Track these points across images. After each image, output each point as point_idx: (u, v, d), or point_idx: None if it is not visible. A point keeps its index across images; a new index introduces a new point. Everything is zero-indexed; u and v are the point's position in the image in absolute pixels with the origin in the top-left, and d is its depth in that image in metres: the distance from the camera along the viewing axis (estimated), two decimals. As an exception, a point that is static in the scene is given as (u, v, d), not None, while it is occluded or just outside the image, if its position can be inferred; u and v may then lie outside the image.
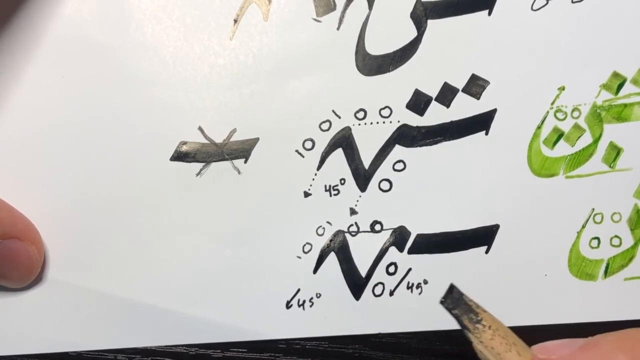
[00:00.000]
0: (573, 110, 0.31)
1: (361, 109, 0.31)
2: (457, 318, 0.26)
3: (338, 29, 0.31)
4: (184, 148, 0.31)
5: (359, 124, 0.31)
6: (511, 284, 0.30)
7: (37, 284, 0.30)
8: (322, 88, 0.31)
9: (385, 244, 0.31)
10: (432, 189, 0.31)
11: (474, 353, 0.28)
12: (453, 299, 0.27)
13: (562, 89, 0.31)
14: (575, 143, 0.31)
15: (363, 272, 0.31)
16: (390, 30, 0.31)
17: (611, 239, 0.31)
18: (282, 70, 0.31)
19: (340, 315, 0.30)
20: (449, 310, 0.27)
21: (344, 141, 0.31)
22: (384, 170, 0.31)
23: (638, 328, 0.22)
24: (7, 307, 0.30)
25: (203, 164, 0.31)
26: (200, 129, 0.31)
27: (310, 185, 0.31)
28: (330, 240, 0.31)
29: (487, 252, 0.31)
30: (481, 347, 0.26)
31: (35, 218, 0.30)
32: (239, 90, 0.31)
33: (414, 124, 0.31)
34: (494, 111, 0.31)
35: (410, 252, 0.31)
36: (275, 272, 0.30)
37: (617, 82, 0.31)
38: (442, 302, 0.27)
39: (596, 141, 0.31)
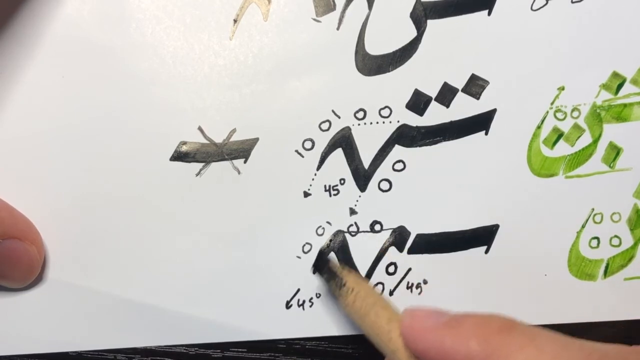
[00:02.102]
0: (573, 110, 0.31)
1: (361, 109, 0.31)
2: (326, 283, 0.27)
3: (338, 29, 0.31)
4: (184, 148, 0.31)
5: (359, 124, 0.31)
6: (511, 284, 0.30)
7: (37, 284, 0.30)
8: (322, 88, 0.31)
9: (385, 244, 0.31)
10: (431, 189, 0.31)
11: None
12: (321, 265, 0.27)
13: (562, 89, 0.31)
14: (575, 143, 0.31)
15: (363, 272, 0.31)
16: (390, 30, 0.31)
17: (611, 239, 0.31)
18: (282, 70, 0.31)
19: (340, 315, 0.30)
20: (320, 275, 0.27)
21: (344, 141, 0.31)
22: (384, 170, 0.31)
23: (502, 317, 0.23)
24: (7, 307, 0.30)
25: (203, 164, 0.31)
26: (200, 129, 0.31)
27: (310, 185, 0.31)
28: (330, 240, 0.31)
29: (486, 252, 0.31)
30: (347, 310, 0.26)
31: (35, 218, 0.30)
32: (239, 90, 0.31)
33: (414, 124, 0.31)
34: (493, 111, 0.31)
35: (410, 252, 0.31)
36: (275, 272, 0.30)
37: (616, 82, 0.31)
38: (313, 268, 0.27)
39: (596, 141, 0.31)
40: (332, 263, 0.27)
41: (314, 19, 0.31)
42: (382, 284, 0.31)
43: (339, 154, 0.31)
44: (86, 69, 0.30)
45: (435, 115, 0.31)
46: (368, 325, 0.25)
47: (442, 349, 0.23)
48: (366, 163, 0.31)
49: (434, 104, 0.31)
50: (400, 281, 0.30)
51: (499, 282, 0.30)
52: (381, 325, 0.25)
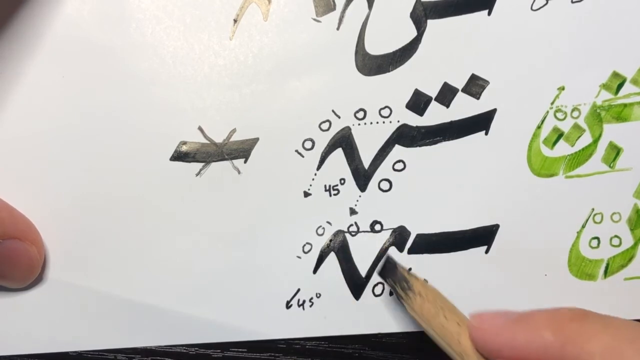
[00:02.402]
0: (573, 110, 0.31)
1: (361, 109, 0.31)
2: (392, 286, 0.27)
3: (338, 29, 0.31)
4: (184, 148, 0.31)
5: (359, 124, 0.31)
6: (511, 284, 0.30)
7: (37, 284, 0.30)
8: (322, 88, 0.31)
9: (385, 243, 0.31)
10: (431, 189, 0.31)
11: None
12: (387, 268, 0.27)
13: (562, 88, 0.31)
14: (575, 143, 0.31)
15: (363, 272, 0.31)
16: (390, 30, 0.31)
17: (611, 239, 0.31)
18: (282, 70, 0.31)
19: (340, 315, 0.30)
20: (384, 278, 0.27)
21: (344, 141, 0.31)
22: (384, 170, 0.31)
23: (572, 308, 0.23)
24: (7, 307, 0.30)
25: (203, 164, 0.31)
26: (200, 129, 0.31)
27: (310, 185, 0.31)
28: (330, 240, 0.31)
29: (487, 252, 0.31)
30: (413, 313, 0.27)
31: (35, 218, 0.30)
32: (239, 90, 0.31)
33: (414, 124, 0.31)
34: (493, 111, 0.31)
35: (410, 252, 0.31)
36: (275, 272, 0.30)
37: (616, 82, 0.31)
38: (378, 272, 0.28)
39: (596, 141, 0.31)
40: (399, 266, 0.27)
41: (314, 19, 0.31)
42: (382, 284, 0.31)
43: (339, 154, 0.31)
44: (86, 69, 0.30)
45: (435, 115, 0.31)
46: (436, 328, 0.26)
47: (515, 344, 0.23)
48: (366, 163, 0.31)
49: (434, 104, 0.31)
50: (400, 281, 0.30)
51: (499, 282, 0.30)
52: (450, 328, 0.25)
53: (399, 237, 0.31)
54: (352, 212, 0.31)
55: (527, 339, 0.22)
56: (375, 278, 0.30)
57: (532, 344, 0.22)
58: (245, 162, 0.31)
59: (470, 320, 0.25)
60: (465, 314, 0.26)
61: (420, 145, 0.31)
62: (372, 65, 0.31)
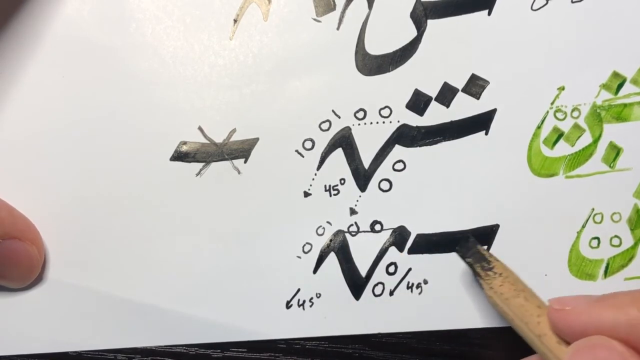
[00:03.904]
0: (573, 110, 0.31)
1: (361, 109, 0.31)
2: (470, 265, 0.27)
3: (338, 29, 0.31)
4: (184, 148, 0.31)
5: (359, 124, 0.31)
6: (511, 284, 0.30)
7: (37, 284, 0.30)
8: (322, 88, 0.31)
9: (385, 243, 0.31)
10: (432, 189, 0.31)
11: (475, 353, 0.28)
12: (467, 248, 0.28)
13: (562, 88, 0.31)
14: (575, 143, 0.31)
15: (363, 272, 0.31)
16: (390, 30, 0.31)
17: (611, 239, 0.31)
18: (282, 70, 0.31)
19: (340, 315, 0.30)
20: (463, 258, 0.28)
21: (344, 141, 0.31)
22: (384, 170, 0.31)
23: None
24: (7, 307, 0.30)
25: (203, 164, 0.31)
26: (200, 129, 0.31)
27: (310, 185, 0.31)
28: (330, 240, 0.31)
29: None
30: (491, 292, 0.27)
31: (35, 218, 0.30)
32: (239, 90, 0.31)
33: (414, 124, 0.31)
34: (493, 111, 0.31)
35: (410, 252, 0.31)
36: (275, 272, 0.30)
37: (616, 82, 0.31)
38: (457, 251, 0.28)
39: (596, 141, 0.31)
40: (479, 246, 0.28)
41: (314, 19, 0.31)
42: (382, 284, 0.31)
43: (339, 154, 0.31)
44: (86, 69, 0.30)
45: (435, 115, 0.31)
46: (515, 308, 0.26)
47: (600, 323, 0.23)
48: (366, 163, 0.31)
49: (434, 104, 0.31)
50: (401, 281, 0.30)
51: (499, 282, 0.30)
52: (530, 310, 0.25)
53: (399, 237, 0.31)
54: (352, 212, 0.31)
55: (613, 317, 0.22)
56: (375, 278, 0.30)
57: (619, 322, 0.22)
58: (245, 162, 0.31)
59: (551, 304, 0.25)
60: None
61: (420, 145, 0.31)
62: (372, 65, 0.31)
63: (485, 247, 0.28)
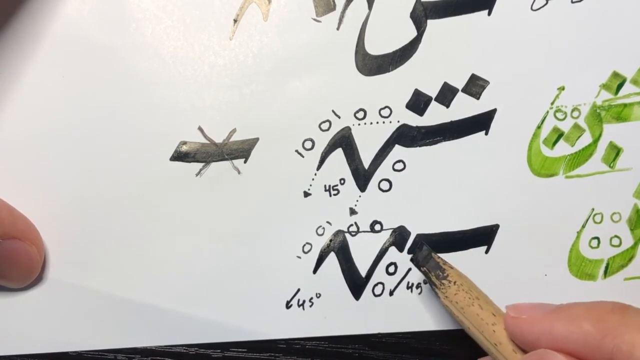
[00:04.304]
0: (573, 110, 0.31)
1: (361, 109, 0.31)
2: (425, 274, 0.27)
3: (338, 29, 0.31)
4: (184, 148, 0.31)
5: (359, 124, 0.31)
6: (511, 284, 0.30)
7: (37, 284, 0.30)
8: (322, 88, 0.31)
9: (385, 244, 0.31)
10: (431, 189, 0.31)
11: (474, 353, 0.28)
12: (422, 256, 0.28)
13: (562, 89, 0.31)
14: (575, 143, 0.31)
15: (363, 272, 0.31)
16: (390, 30, 0.31)
17: (611, 239, 0.31)
18: (282, 70, 0.31)
19: (340, 315, 0.30)
20: (418, 266, 0.28)
21: (344, 141, 0.31)
22: (384, 170, 0.31)
23: (611, 301, 0.23)
24: (7, 307, 0.30)
25: (203, 164, 0.31)
26: (200, 129, 0.31)
27: (310, 185, 0.31)
28: (330, 240, 0.31)
29: (487, 252, 0.31)
30: (447, 302, 0.27)
31: (35, 218, 0.30)
32: (239, 90, 0.31)
33: (414, 124, 0.31)
34: (493, 111, 0.31)
35: (410, 252, 0.31)
36: (275, 272, 0.30)
37: (616, 82, 0.31)
38: (411, 260, 0.28)
39: (596, 141, 0.31)
40: (434, 254, 0.27)
41: (314, 19, 0.31)
42: (382, 284, 0.31)
43: (339, 154, 0.31)
44: (86, 69, 0.30)
45: (435, 115, 0.31)
46: (470, 317, 0.26)
47: (553, 335, 0.23)
48: (366, 163, 0.31)
49: (434, 104, 0.31)
50: (401, 281, 0.30)
51: (499, 282, 0.30)
52: (485, 318, 0.25)
53: (399, 237, 0.31)
54: (352, 212, 0.31)
55: (566, 329, 0.22)
56: (375, 278, 0.30)
57: (571, 335, 0.22)
58: (245, 162, 0.31)
59: (507, 310, 0.25)
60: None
61: (420, 145, 0.31)
62: (372, 65, 0.31)
63: (444, 257, 0.28)
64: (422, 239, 0.31)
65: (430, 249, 0.28)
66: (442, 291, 0.27)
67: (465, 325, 0.26)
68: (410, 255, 0.30)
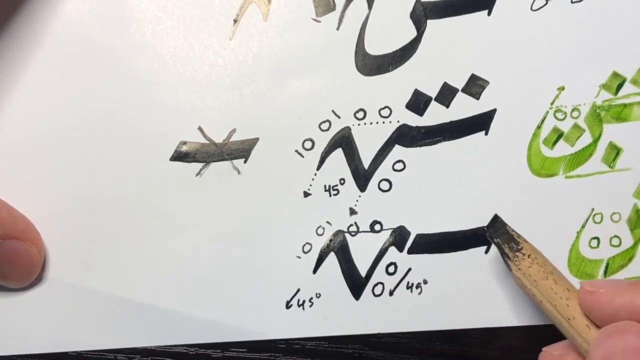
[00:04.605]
0: (573, 110, 0.31)
1: (361, 109, 0.31)
2: (499, 246, 0.27)
3: (338, 29, 0.31)
4: (184, 148, 0.31)
5: (359, 124, 0.31)
6: (511, 284, 0.30)
7: (37, 284, 0.30)
8: (322, 88, 0.31)
9: (385, 244, 0.31)
10: (431, 189, 0.31)
11: (475, 353, 0.28)
12: (496, 228, 0.27)
13: (562, 89, 0.31)
14: (574, 143, 0.31)
15: (363, 272, 0.31)
16: (390, 30, 0.31)
17: (611, 239, 0.31)
18: (282, 70, 0.31)
19: (340, 315, 0.30)
20: (491, 238, 0.27)
21: (344, 141, 0.31)
22: (384, 170, 0.31)
23: None
24: (7, 307, 0.30)
25: (203, 164, 0.31)
26: (200, 129, 0.31)
27: (310, 185, 0.31)
28: (330, 240, 0.31)
29: (486, 252, 0.31)
30: (519, 274, 0.26)
31: (35, 218, 0.30)
32: (239, 90, 0.31)
33: (414, 124, 0.31)
34: (493, 111, 0.31)
35: (410, 252, 0.31)
36: (275, 272, 0.30)
37: (616, 82, 0.31)
38: (485, 231, 0.27)
39: (596, 141, 0.31)
40: (508, 227, 0.27)
41: (314, 19, 0.31)
42: (382, 284, 0.31)
43: (339, 154, 0.31)
44: (86, 69, 0.30)
45: (435, 115, 0.31)
46: (543, 290, 0.25)
47: (633, 308, 0.22)
48: (366, 163, 0.31)
49: (434, 104, 0.31)
50: (400, 281, 0.30)
51: (499, 282, 0.30)
52: (559, 292, 0.25)
53: (399, 237, 0.31)
54: (352, 212, 0.31)
55: None
56: (375, 278, 0.30)
57: None
58: (245, 162, 0.31)
59: (583, 285, 0.24)
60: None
61: (420, 145, 0.31)
62: (372, 65, 0.31)
63: (516, 230, 0.27)
64: (422, 239, 0.31)
65: (504, 222, 0.27)
66: (515, 263, 0.26)
67: (538, 299, 0.26)
68: (409, 255, 0.30)
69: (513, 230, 0.27)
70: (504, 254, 0.27)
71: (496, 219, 0.27)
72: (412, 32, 0.31)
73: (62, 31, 0.30)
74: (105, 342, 0.30)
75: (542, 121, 0.31)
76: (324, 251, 0.31)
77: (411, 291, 0.30)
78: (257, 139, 0.31)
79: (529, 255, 0.26)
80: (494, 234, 0.27)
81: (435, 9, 0.31)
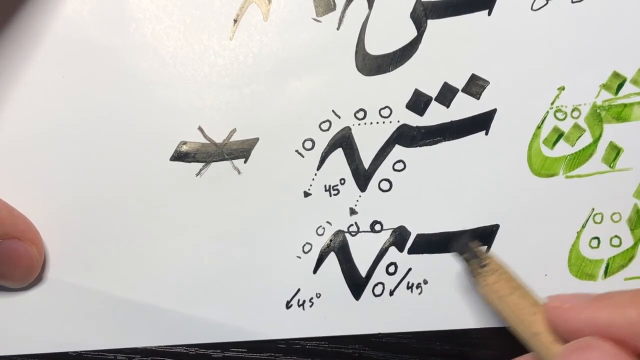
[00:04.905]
0: (573, 110, 0.31)
1: (361, 109, 0.31)
2: (465, 262, 0.27)
3: (338, 29, 0.31)
4: (184, 148, 0.31)
5: (359, 124, 0.31)
6: (511, 284, 0.30)
7: (37, 284, 0.30)
8: (322, 88, 0.31)
9: (385, 244, 0.31)
10: (432, 189, 0.31)
11: (475, 353, 0.28)
12: (462, 244, 0.27)
13: (562, 89, 0.31)
14: (575, 143, 0.31)
15: (363, 272, 0.31)
16: (390, 30, 0.31)
17: (611, 239, 0.31)
18: (282, 70, 0.31)
19: (340, 315, 0.30)
20: (458, 254, 0.27)
21: (344, 141, 0.31)
22: (384, 170, 0.31)
23: None
24: (7, 307, 0.30)
25: (203, 164, 0.31)
26: (200, 129, 0.31)
27: (310, 185, 0.31)
28: (330, 240, 0.31)
29: (486, 252, 0.30)
30: (486, 290, 0.27)
31: (35, 218, 0.30)
32: (239, 90, 0.31)
33: (414, 124, 0.31)
34: (493, 111, 0.31)
35: (410, 252, 0.31)
36: (275, 272, 0.30)
37: (617, 82, 0.31)
38: (451, 247, 0.28)
39: (596, 141, 0.31)
40: (474, 243, 0.27)
41: (314, 19, 0.31)
42: (382, 284, 0.31)
43: (339, 154, 0.31)
44: (86, 69, 0.30)
45: (435, 115, 0.31)
46: (510, 306, 0.25)
47: (597, 323, 0.22)
48: (366, 163, 0.31)
49: (434, 104, 0.31)
50: (401, 281, 0.30)
51: (499, 282, 0.30)
52: (525, 308, 0.25)
53: (399, 237, 0.31)
54: (352, 212, 0.31)
55: (610, 317, 0.22)
56: (375, 278, 0.30)
57: (615, 322, 0.22)
58: (245, 162, 0.31)
59: (549, 301, 0.25)
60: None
61: (420, 145, 0.31)
62: (372, 65, 0.31)
63: (485, 247, 0.28)
64: (422, 239, 0.31)
65: (470, 237, 0.28)
66: (481, 279, 0.27)
67: (504, 315, 0.26)
68: (409, 255, 0.30)
69: (478, 246, 0.27)
70: (470, 271, 0.27)
71: (463, 235, 0.28)
72: (413, 32, 0.31)
73: (62, 31, 0.30)
74: (105, 342, 0.30)
75: (543, 121, 0.31)
76: (324, 251, 0.31)
77: (411, 291, 0.30)
78: (257, 139, 0.31)
79: (495, 271, 0.26)
80: (460, 250, 0.28)
81: (436, 9, 0.31)
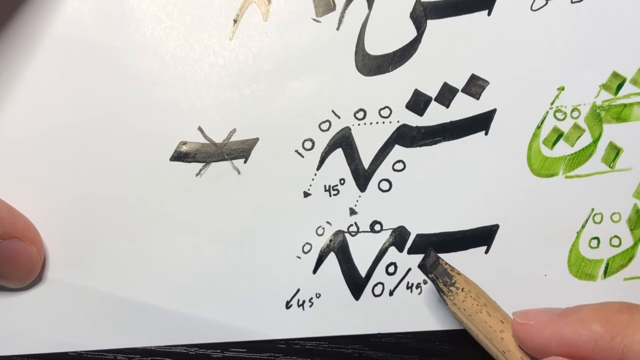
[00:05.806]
0: (573, 110, 0.31)
1: (361, 109, 0.31)
2: (433, 281, 0.27)
3: (338, 29, 0.31)
4: (184, 148, 0.31)
5: (359, 124, 0.31)
6: (511, 284, 0.30)
7: (37, 284, 0.30)
8: (322, 88, 0.31)
9: (385, 244, 0.31)
10: (431, 189, 0.31)
11: (474, 353, 0.28)
12: (429, 263, 0.28)
13: (562, 89, 0.31)
14: (574, 143, 0.31)
15: (363, 272, 0.31)
16: (390, 30, 0.31)
17: (611, 239, 0.31)
18: (282, 70, 0.31)
19: (340, 315, 0.30)
20: (425, 273, 0.27)
21: (344, 141, 0.31)
22: (384, 170, 0.31)
23: (619, 302, 0.23)
24: (7, 307, 0.30)
25: (203, 164, 0.31)
26: (200, 129, 0.31)
27: (310, 186, 0.31)
28: (330, 240, 0.31)
29: (486, 252, 0.31)
30: (454, 308, 0.27)
31: (35, 218, 0.30)
32: (239, 90, 0.31)
33: (414, 124, 0.31)
34: (493, 111, 0.31)
35: (410, 252, 0.31)
36: (275, 272, 0.30)
37: (616, 82, 0.31)
38: (419, 266, 0.28)
39: (596, 141, 0.31)
40: (442, 261, 0.27)
41: (314, 19, 0.31)
42: (382, 284, 0.31)
43: (339, 154, 0.31)
44: (86, 69, 0.30)
45: (435, 115, 0.31)
46: (478, 324, 0.26)
47: (562, 339, 0.22)
48: (366, 163, 0.31)
49: (434, 104, 0.31)
50: (400, 281, 0.30)
51: (499, 282, 0.30)
52: (493, 325, 0.25)
53: (399, 237, 0.31)
54: (352, 212, 0.31)
55: (575, 332, 0.22)
56: (375, 278, 0.30)
57: (581, 337, 0.22)
58: (245, 162, 0.31)
59: (515, 316, 0.25)
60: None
61: (420, 145, 0.31)
62: (372, 65, 0.31)
63: (446, 260, 0.28)
64: (422, 239, 0.31)
65: (437, 256, 0.28)
66: (450, 298, 0.27)
67: (474, 332, 0.26)
68: (409, 255, 0.30)
69: (447, 264, 0.28)
70: (438, 289, 0.27)
71: (429, 252, 0.28)
72: (412, 32, 0.31)
73: (62, 31, 0.30)
74: (105, 342, 0.30)
75: (542, 121, 0.31)
76: (324, 251, 0.31)
77: (411, 291, 0.30)
78: (257, 139, 0.31)
79: (462, 289, 0.27)
80: (428, 269, 0.28)
81: (435, 9, 0.31)
